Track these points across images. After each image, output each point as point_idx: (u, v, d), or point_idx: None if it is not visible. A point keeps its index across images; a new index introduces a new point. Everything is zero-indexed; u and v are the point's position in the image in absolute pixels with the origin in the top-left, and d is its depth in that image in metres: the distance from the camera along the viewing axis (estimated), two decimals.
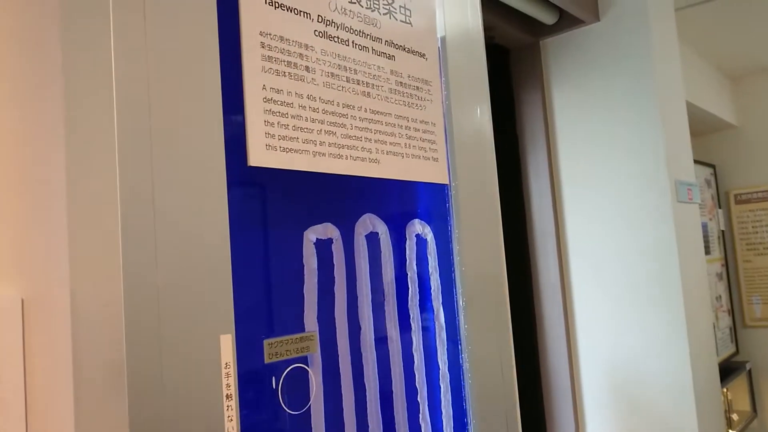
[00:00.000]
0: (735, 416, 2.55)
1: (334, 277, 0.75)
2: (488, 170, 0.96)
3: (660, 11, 1.82)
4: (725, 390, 2.46)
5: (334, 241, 0.75)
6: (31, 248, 0.62)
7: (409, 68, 0.84)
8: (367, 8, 0.80)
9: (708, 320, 1.84)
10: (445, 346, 0.87)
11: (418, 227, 0.86)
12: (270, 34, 0.68)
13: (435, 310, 0.86)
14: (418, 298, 0.84)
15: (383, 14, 0.82)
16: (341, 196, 0.77)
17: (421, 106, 0.85)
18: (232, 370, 0.60)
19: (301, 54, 0.71)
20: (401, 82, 0.83)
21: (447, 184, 0.89)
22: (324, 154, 0.72)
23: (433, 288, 0.86)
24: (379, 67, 0.80)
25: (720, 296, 2.83)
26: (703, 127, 2.96)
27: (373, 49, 0.80)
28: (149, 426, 0.54)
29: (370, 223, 0.79)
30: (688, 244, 1.76)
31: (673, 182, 1.72)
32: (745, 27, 2.47)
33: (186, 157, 0.59)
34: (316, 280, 0.72)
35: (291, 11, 0.71)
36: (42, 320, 0.62)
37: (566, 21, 1.84)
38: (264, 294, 0.69)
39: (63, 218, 0.63)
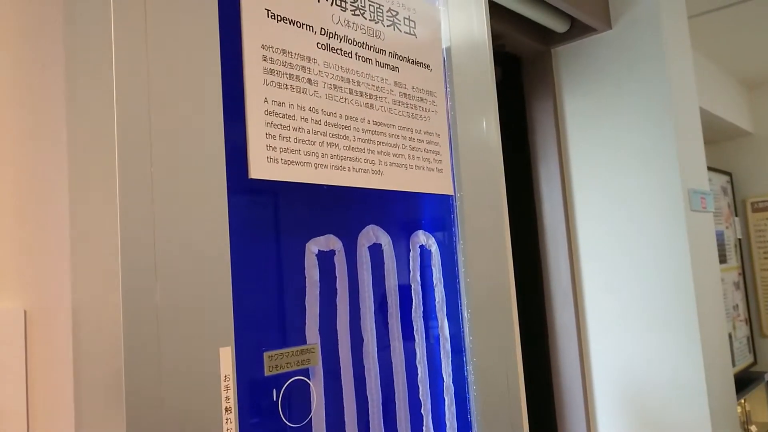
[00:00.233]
0: (754, 428, 2.50)
1: (336, 289, 0.75)
2: (495, 181, 0.95)
3: (673, 19, 1.81)
4: (743, 401, 2.42)
5: (336, 252, 0.75)
6: (34, 262, 0.62)
7: (414, 79, 0.84)
8: (370, 20, 0.80)
9: (722, 330, 1.81)
10: (450, 358, 0.86)
11: (423, 238, 0.85)
12: (272, 47, 0.68)
13: (439, 321, 0.86)
14: (422, 309, 0.84)
15: (387, 26, 0.82)
16: (345, 208, 0.77)
17: (425, 117, 0.85)
18: (232, 383, 0.60)
19: (303, 66, 0.71)
20: (405, 94, 0.83)
21: (452, 195, 0.88)
22: (326, 166, 0.72)
23: (437, 299, 0.86)
24: (382, 78, 0.80)
25: (737, 305, 2.79)
26: (719, 135, 2.93)
27: (376, 61, 0.80)
28: None
29: (373, 234, 0.79)
30: (702, 253, 1.74)
31: (686, 191, 1.70)
32: (760, 34, 2.45)
33: (186, 170, 0.59)
34: (318, 292, 0.72)
35: (293, 24, 0.71)
36: (44, 332, 0.62)
37: (578, 29, 1.83)
38: (266, 306, 0.69)
39: (65, 232, 0.64)
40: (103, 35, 0.57)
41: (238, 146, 0.65)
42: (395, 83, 0.82)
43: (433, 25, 0.89)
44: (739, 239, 2.95)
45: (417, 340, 0.83)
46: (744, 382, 2.56)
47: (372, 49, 0.79)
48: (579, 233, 1.87)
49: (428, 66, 0.87)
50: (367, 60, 0.79)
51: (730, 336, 2.59)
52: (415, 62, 0.85)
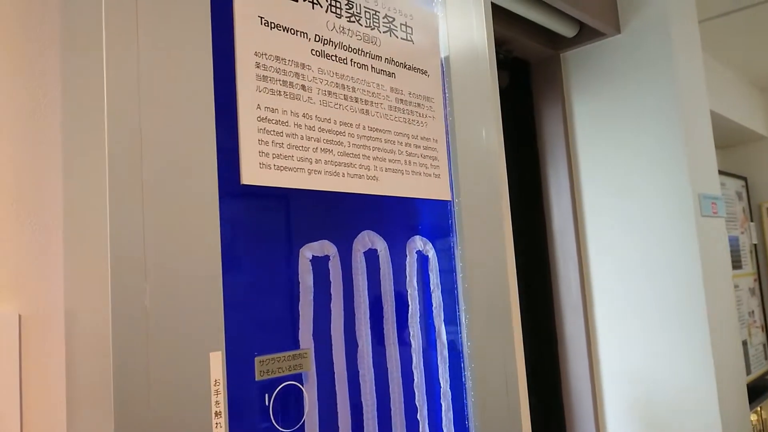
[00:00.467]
0: None
1: (331, 295, 0.75)
2: (495, 186, 0.95)
3: (682, 22, 1.79)
4: (759, 409, 2.38)
5: (330, 258, 0.75)
6: (28, 266, 0.63)
7: (410, 85, 0.85)
8: (366, 27, 0.80)
9: (735, 337, 1.79)
10: (447, 364, 0.86)
11: (419, 244, 0.85)
12: (265, 54, 0.69)
13: (437, 327, 0.86)
14: (418, 315, 0.84)
15: (383, 32, 0.82)
16: (340, 213, 0.77)
17: (422, 123, 0.85)
18: (222, 387, 0.61)
19: (297, 73, 0.72)
20: (402, 99, 0.83)
21: (450, 201, 0.88)
22: (320, 172, 0.72)
23: (434, 305, 0.86)
24: (378, 84, 0.80)
25: (753, 311, 2.76)
26: (734, 139, 2.90)
27: (372, 67, 0.80)
28: None
29: (368, 239, 0.79)
30: (713, 259, 1.72)
31: (697, 196, 1.68)
32: None
33: (176, 174, 0.60)
34: (312, 298, 0.73)
35: (287, 31, 0.71)
36: (39, 336, 0.63)
37: (586, 33, 1.83)
38: (259, 311, 0.69)
39: (60, 237, 0.65)
40: (94, 41, 0.58)
41: (231, 152, 0.65)
42: (391, 89, 0.82)
43: (431, 31, 0.89)
44: (755, 244, 2.91)
45: (413, 346, 0.83)
46: (760, 389, 2.52)
47: (368, 55, 0.80)
48: (588, 238, 1.85)
49: (425, 72, 0.87)
50: (362, 66, 0.79)
51: (745, 343, 2.56)
52: (412, 68, 0.85)
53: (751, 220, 2.92)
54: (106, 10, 0.57)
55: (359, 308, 0.77)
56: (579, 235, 1.86)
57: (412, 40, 0.86)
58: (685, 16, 1.83)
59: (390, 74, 0.82)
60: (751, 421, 1.97)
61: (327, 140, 0.73)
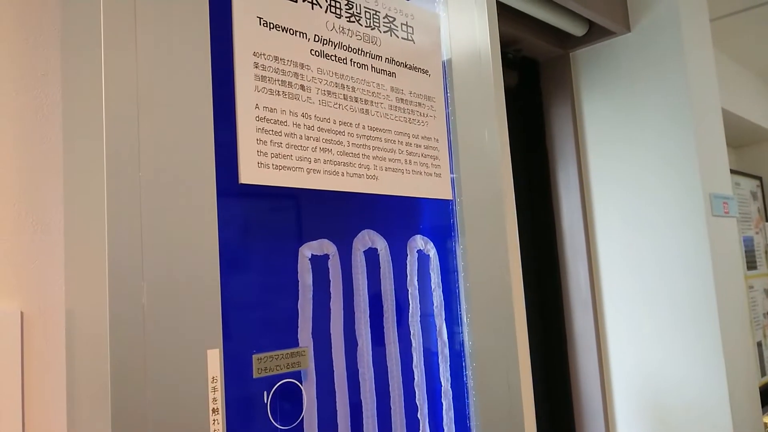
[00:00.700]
0: None
1: (330, 293, 0.75)
2: (498, 185, 0.95)
3: (693, 20, 1.78)
4: None
5: (330, 256, 0.76)
6: (30, 264, 0.64)
7: (411, 85, 0.85)
8: (366, 27, 0.81)
9: (747, 339, 1.77)
10: (448, 363, 0.86)
11: (420, 243, 0.85)
12: (264, 54, 0.69)
13: (437, 326, 0.86)
14: (419, 314, 0.84)
15: (384, 32, 0.83)
16: (341, 213, 0.78)
17: (423, 122, 0.85)
18: (219, 385, 0.61)
19: (296, 73, 0.72)
20: (402, 99, 0.83)
21: (451, 200, 0.88)
22: (319, 171, 0.72)
23: (435, 304, 0.86)
24: (378, 84, 0.81)
25: None
26: (749, 138, 2.87)
27: (372, 67, 0.80)
28: None
29: (368, 238, 0.80)
30: (725, 259, 1.70)
31: (708, 195, 1.67)
32: None
33: (174, 173, 0.60)
34: (311, 296, 0.73)
35: (286, 32, 0.72)
36: (40, 334, 0.64)
37: (596, 32, 1.82)
38: (259, 309, 0.70)
39: (61, 236, 0.66)
40: (93, 42, 0.59)
41: (230, 151, 0.66)
42: (392, 89, 0.82)
43: (432, 31, 0.89)
44: None
45: (414, 345, 0.83)
46: None
47: (368, 55, 0.80)
48: (598, 237, 1.84)
49: (426, 71, 0.87)
50: (362, 66, 0.79)
51: (759, 344, 2.53)
52: (412, 68, 0.85)
53: (767, 220, 2.88)
54: (104, 10, 0.58)
55: (359, 307, 0.78)
56: (588, 233, 1.85)
57: (413, 40, 0.86)
58: (697, 13, 1.81)
59: (390, 74, 0.82)
60: (765, 423, 1.94)
61: (326, 140, 0.74)
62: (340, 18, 0.78)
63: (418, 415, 0.82)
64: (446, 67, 0.91)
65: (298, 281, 0.72)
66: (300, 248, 0.73)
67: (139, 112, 0.59)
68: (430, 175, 0.85)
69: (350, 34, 0.79)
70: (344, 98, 0.76)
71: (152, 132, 0.59)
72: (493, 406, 0.88)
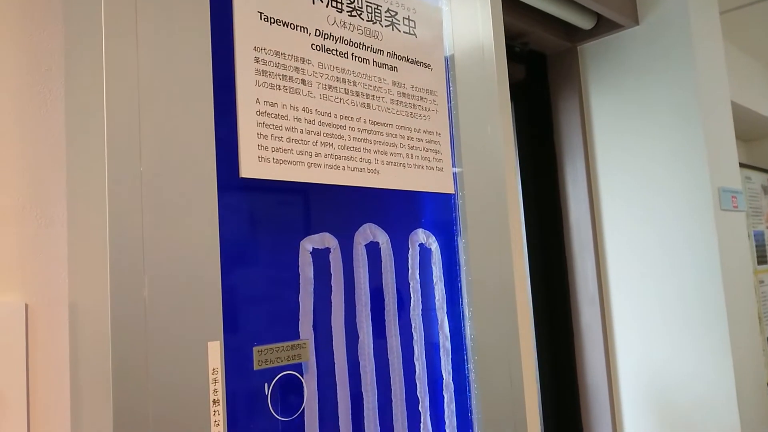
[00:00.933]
0: None
1: (332, 286, 0.76)
2: (500, 179, 0.95)
3: (702, 13, 1.76)
4: None
5: (331, 250, 0.76)
6: (35, 257, 0.65)
7: (413, 79, 0.85)
8: (368, 21, 0.81)
9: (756, 334, 1.76)
10: (450, 356, 0.86)
11: (422, 237, 0.86)
12: (265, 49, 0.70)
13: (439, 319, 0.86)
14: (420, 307, 0.84)
15: (385, 26, 0.83)
16: (342, 206, 0.78)
17: (425, 116, 0.86)
18: (220, 376, 0.62)
19: (297, 68, 0.72)
20: (404, 93, 0.83)
21: (453, 194, 0.88)
22: (320, 165, 0.73)
23: (437, 297, 0.86)
24: (380, 78, 0.81)
25: None
26: (759, 132, 2.85)
27: (374, 61, 0.81)
28: (134, 429, 0.56)
29: (370, 232, 0.80)
30: (733, 254, 1.69)
31: (716, 189, 1.66)
32: None
33: (175, 167, 0.61)
34: (312, 289, 0.74)
35: (287, 26, 0.72)
36: (45, 325, 0.65)
37: (604, 26, 1.81)
38: (260, 302, 0.70)
39: (65, 228, 0.67)
40: (94, 36, 0.59)
41: (231, 145, 0.66)
42: (393, 83, 0.82)
43: (435, 25, 0.89)
44: None
45: (415, 338, 0.83)
46: None
47: (369, 49, 0.80)
48: (605, 231, 1.84)
49: (429, 65, 0.87)
50: (364, 60, 0.79)
51: (766, 341, 2.51)
52: (414, 62, 0.86)
53: None
54: (105, 3, 0.58)
55: (360, 300, 0.78)
56: (596, 227, 1.85)
57: (415, 34, 0.86)
58: (706, 6, 1.80)
59: (392, 68, 0.83)
60: None
61: (327, 134, 0.74)
62: (341, 12, 0.78)
63: (420, 408, 0.82)
64: (449, 62, 0.91)
65: (299, 274, 0.73)
66: (301, 242, 0.74)
67: (140, 107, 0.59)
68: (432, 169, 0.86)
69: (351, 29, 0.79)
70: (345, 92, 0.77)
71: (153, 126, 0.60)
72: (494, 399, 0.88)
